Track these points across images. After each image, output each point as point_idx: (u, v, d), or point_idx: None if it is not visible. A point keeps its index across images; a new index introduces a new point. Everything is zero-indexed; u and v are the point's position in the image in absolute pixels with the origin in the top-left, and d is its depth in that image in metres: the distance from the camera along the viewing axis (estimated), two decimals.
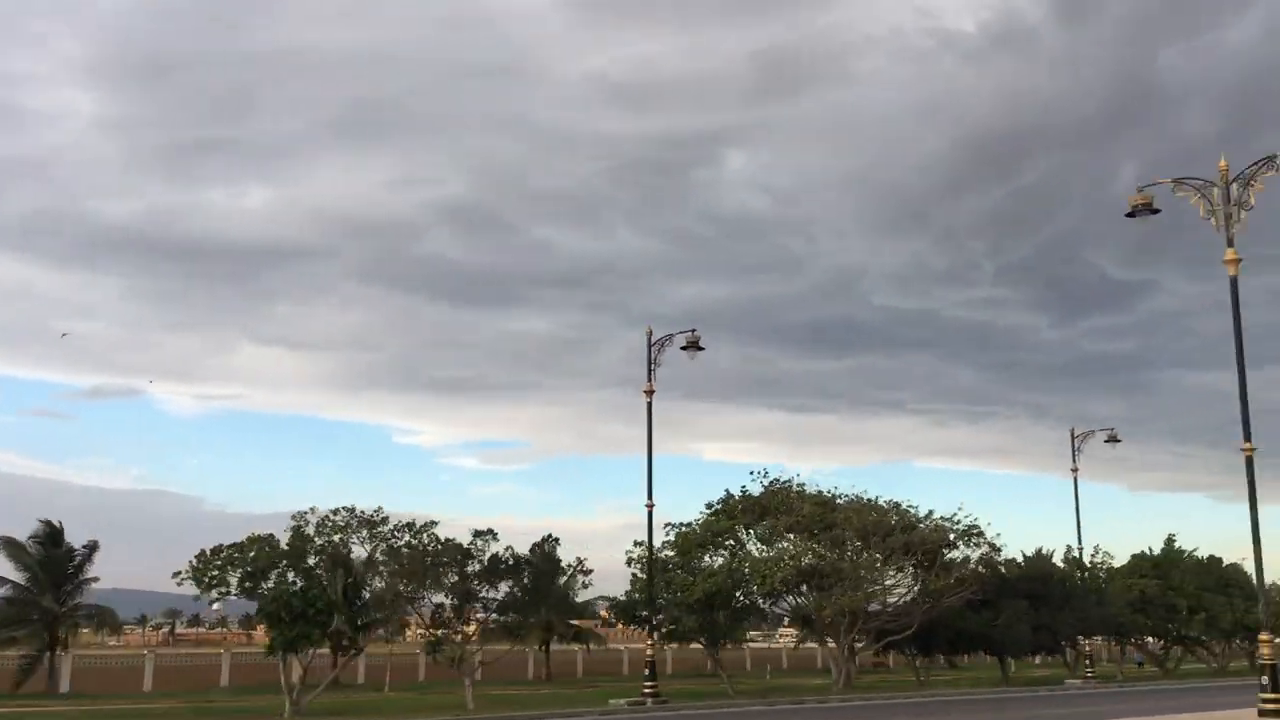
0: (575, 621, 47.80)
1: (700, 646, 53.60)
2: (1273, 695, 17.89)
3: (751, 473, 41.09)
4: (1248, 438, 18.81)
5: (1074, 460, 42.97)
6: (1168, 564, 55.05)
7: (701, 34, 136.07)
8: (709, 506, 39.08)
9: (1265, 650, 18.44)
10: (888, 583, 39.75)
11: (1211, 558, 57.60)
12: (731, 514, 38.29)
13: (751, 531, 38.51)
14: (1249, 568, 61.40)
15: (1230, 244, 19.05)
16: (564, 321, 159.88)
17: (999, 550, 41.81)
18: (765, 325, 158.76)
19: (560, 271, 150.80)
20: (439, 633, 30.24)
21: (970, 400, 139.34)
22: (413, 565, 28.55)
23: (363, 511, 28.74)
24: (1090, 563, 51.46)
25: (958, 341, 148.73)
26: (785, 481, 39.14)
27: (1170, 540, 57.02)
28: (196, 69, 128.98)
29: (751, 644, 62.87)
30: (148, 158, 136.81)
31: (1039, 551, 49.99)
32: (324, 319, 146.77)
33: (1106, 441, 42.83)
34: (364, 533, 28.72)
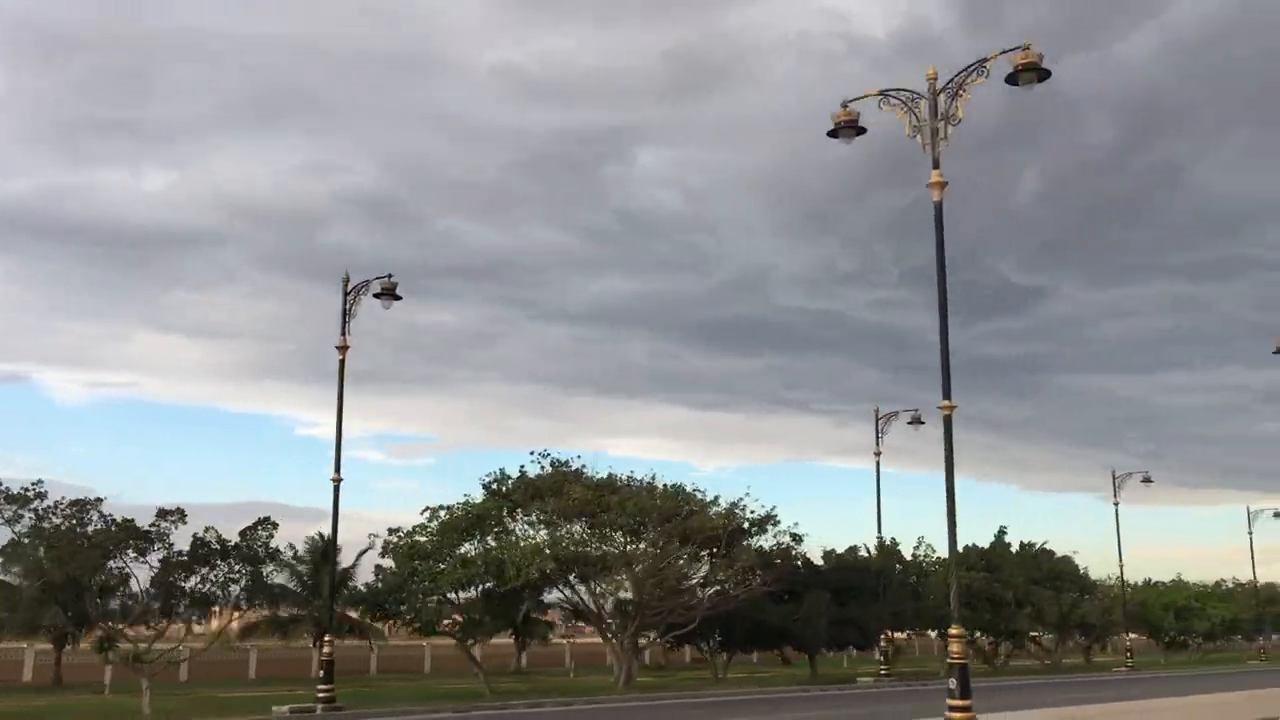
0: (353, 614, 43.70)
1: (510, 642, 50.52)
2: (961, 701, 14.96)
3: (531, 453, 37.85)
4: (947, 395, 15.95)
5: (877, 443, 40.70)
6: (996, 556, 53.22)
7: (614, 30, 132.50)
8: (484, 488, 35.59)
9: (954, 648, 15.54)
10: (677, 573, 36.73)
11: (1043, 549, 56.04)
12: (501, 496, 34.84)
13: (531, 516, 35.16)
14: (1079, 561, 60.02)
15: (936, 165, 16.17)
16: (472, 314, 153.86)
17: (799, 540, 39.12)
18: (675, 322, 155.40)
19: (469, 264, 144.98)
20: (115, 627, 26.09)
21: (874, 400, 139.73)
22: (66, 550, 24.33)
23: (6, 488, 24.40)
24: (913, 555, 49.29)
25: (863, 342, 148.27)
26: (564, 463, 35.81)
27: (1001, 531, 55.28)
28: (94, 47, 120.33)
29: (574, 640, 59.60)
30: (40, 136, 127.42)
31: (884, 544, 47.50)
32: (228, 308, 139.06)
33: (909, 424, 40.57)
34: (10, 510, 24.37)
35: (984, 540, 54.13)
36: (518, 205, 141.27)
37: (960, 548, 53.23)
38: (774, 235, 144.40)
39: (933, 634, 57.22)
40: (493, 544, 33.46)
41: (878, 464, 40.59)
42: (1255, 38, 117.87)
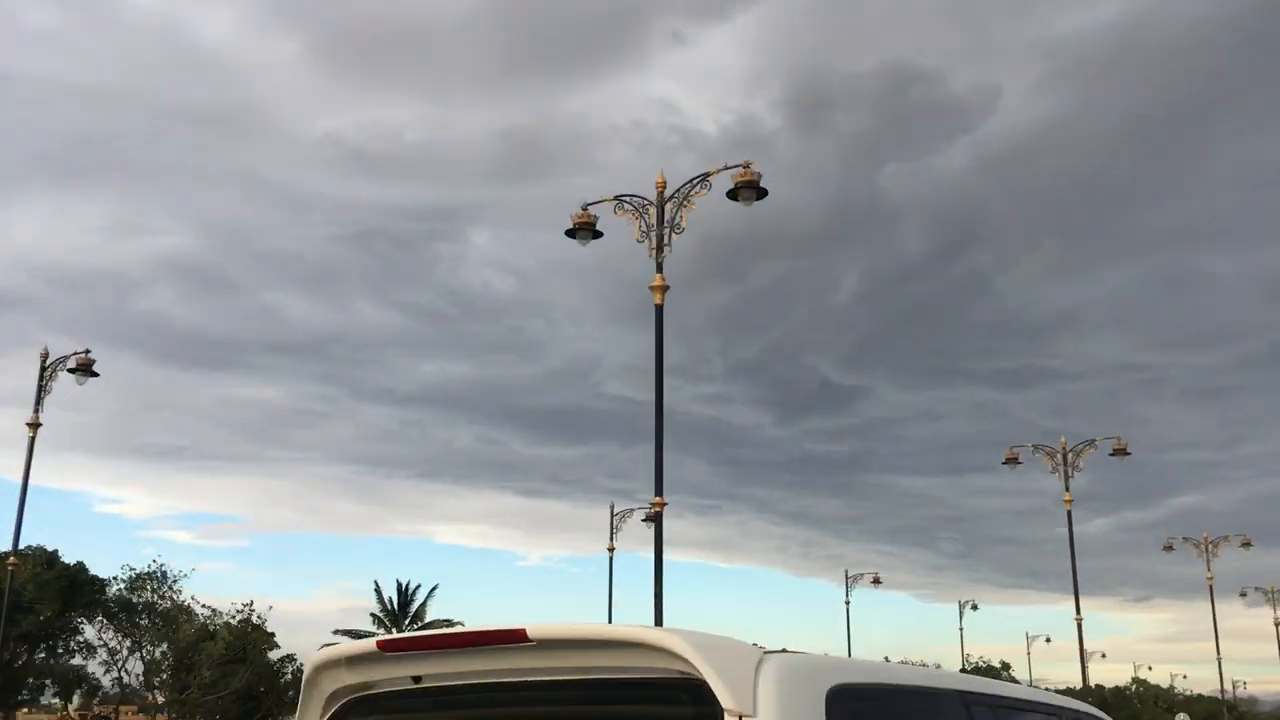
0: None
1: None
2: None
3: None
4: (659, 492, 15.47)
5: (612, 538, 38.78)
6: None
7: (448, 107, 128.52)
8: None
9: None
10: None
11: None
12: None
13: None
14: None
15: (659, 269, 16.30)
16: (291, 391, 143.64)
17: None
18: (502, 407, 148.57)
19: (290, 339, 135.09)
20: None
21: (698, 493, 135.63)
22: None
23: None
24: None
25: (689, 435, 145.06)
26: None
27: None
28: None
29: None
30: None
31: None
32: (21, 374, 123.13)
33: (644, 520, 37.77)
34: None
35: None
36: (344, 280, 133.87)
37: None
38: (602, 324, 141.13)
39: None
40: None
41: (610, 558, 39.03)
42: (1058, 157, 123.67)
